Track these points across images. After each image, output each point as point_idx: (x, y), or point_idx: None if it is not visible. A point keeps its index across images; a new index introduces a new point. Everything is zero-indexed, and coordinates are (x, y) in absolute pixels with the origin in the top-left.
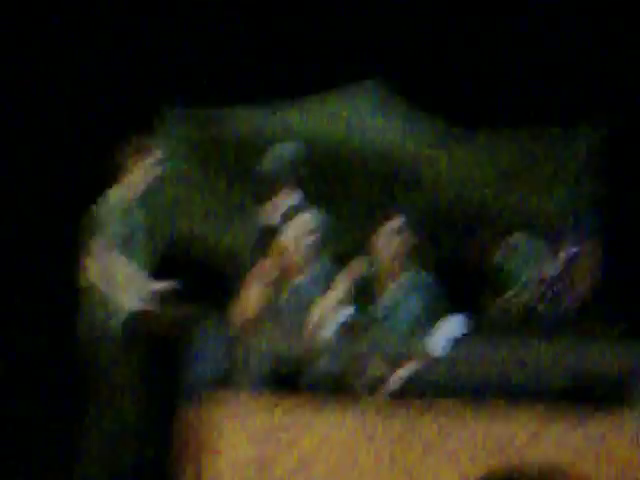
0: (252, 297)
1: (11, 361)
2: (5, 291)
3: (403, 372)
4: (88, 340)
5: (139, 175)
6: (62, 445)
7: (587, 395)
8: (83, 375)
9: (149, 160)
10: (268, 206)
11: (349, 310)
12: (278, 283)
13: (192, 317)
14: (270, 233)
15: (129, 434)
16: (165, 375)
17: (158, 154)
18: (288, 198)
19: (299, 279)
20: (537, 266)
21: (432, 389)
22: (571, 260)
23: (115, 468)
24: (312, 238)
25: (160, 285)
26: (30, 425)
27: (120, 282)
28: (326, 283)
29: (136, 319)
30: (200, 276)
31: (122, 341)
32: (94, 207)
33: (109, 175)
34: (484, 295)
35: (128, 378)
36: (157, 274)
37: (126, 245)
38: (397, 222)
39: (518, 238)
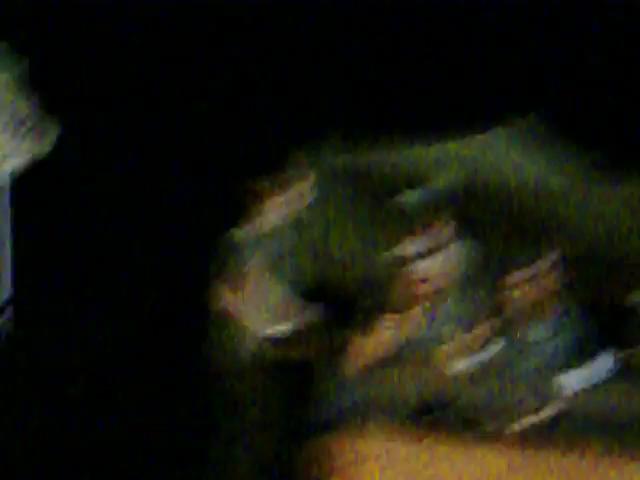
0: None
1: (140, 395)
2: (138, 315)
3: (546, 410)
4: (216, 372)
5: (291, 200)
6: None
7: None
8: (211, 409)
9: (302, 186)
10: (411, 239)
11: (497, 345)
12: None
13: (334, 345)
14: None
15: (262, 470)
16: (299, 405)
17: (311, 179)
18: (439, 232)
19: (439, 308)
20: None
21: (573, 428)
22: None
23: None
24: (459, 269)
25: (308, 311)
26: (160, 462)
27: (267, 307)
28: (466, 317)
29: (276, 343)
30: (345, 305)
31: (250, 371)
32: (234, 232)
33: (253, 201)
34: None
35: (257, 410)
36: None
37: (276, 270)
38: (549, 259)
39: None
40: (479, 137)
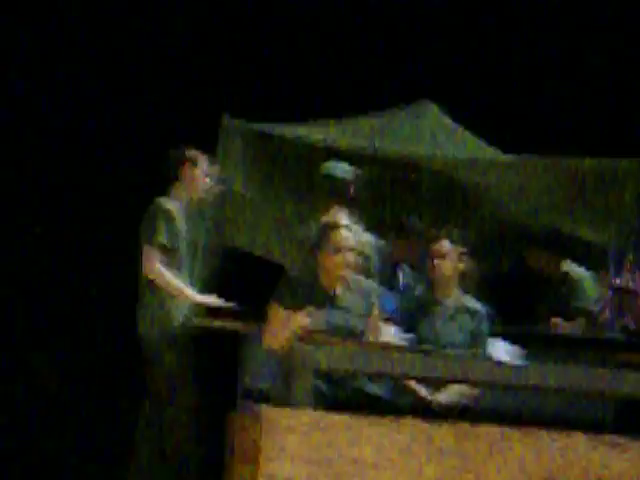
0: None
1: (70, 355)
2: (67, 286)
3: (453, 394)
4: (148, 337)
5: (193, 185)
6: (116, 440)
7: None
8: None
9: (203, 170)
10: (338, 208)
11: (406, 334)
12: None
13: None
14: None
15: (182, 430)
16: (220, 379)
17: (214, 167)
18: (339, 216)
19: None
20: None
21: (481, 413)
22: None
23: (167, 463)
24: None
25: (204, 298)
26: (87, 419)
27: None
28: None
29: (207, 314)
30: (253, 289)
31: (181, 341)
32: (161, 201)
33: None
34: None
35: (184, 377)
36: (209, 288)
37: (173, 255)
38: (451, 241)
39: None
40: (404, 111)
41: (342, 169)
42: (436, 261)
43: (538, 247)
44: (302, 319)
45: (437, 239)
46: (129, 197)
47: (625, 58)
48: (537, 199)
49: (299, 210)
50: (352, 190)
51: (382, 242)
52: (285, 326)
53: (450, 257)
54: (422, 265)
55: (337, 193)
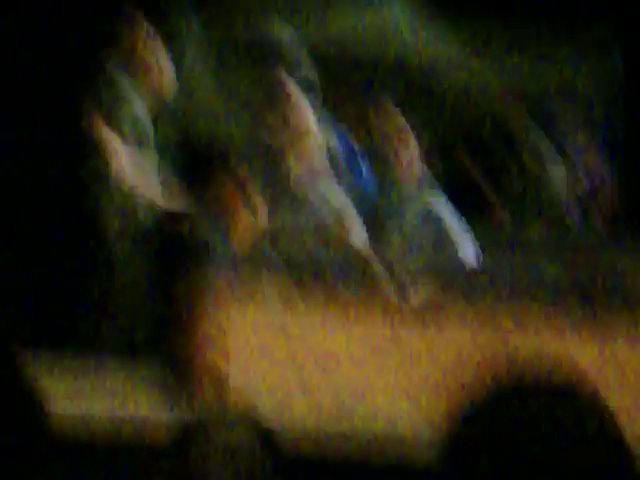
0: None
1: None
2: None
3: (418, 282)
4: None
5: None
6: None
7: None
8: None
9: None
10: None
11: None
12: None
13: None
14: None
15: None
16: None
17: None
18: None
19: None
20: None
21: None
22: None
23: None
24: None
25: (170, 186)
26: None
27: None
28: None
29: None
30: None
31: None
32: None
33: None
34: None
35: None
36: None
37: (134, 141)
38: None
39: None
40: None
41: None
42: (398, 147)
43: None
44: (264, 218)
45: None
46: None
47: None
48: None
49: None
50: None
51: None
52: (250, 228)
53: (410, 141)
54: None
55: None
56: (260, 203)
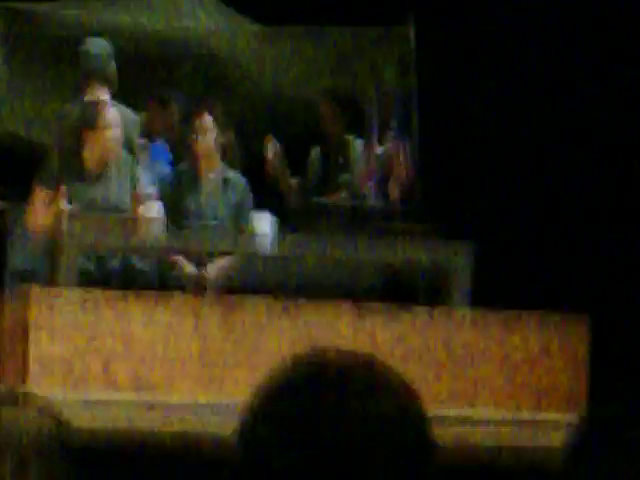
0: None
1: None
2: None
3: (219, 268)
4: None
5: None
6: None
7: (402, 292)
8: None
9: None
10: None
11: (156, 205)
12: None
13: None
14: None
15: None
16: None
17: None
18: (99, 93)
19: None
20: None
21: (247, 286)
22: (386, 155)
23: None
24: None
25: None
26: None
27: None
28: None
29: None
30: (15, 172)
31: None
32: None
33: None
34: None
35: None
36: None
37: None
38: (212, 114)
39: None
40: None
41: (99, 45)
42: (200, 136)
43: (330, 103)
44: (62, 201)
45: (199, 113)
46: None
47: None
48: (296, 67)
49: (61, 89)
50: (110, 66)
51: (138, 117)
52: (47, 207)
53: (212, 131)
54: (180, 138)
55: (97, 71)
56: (61, 190)
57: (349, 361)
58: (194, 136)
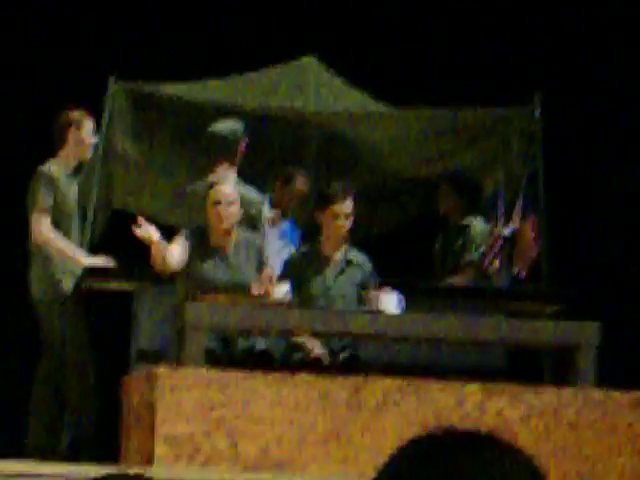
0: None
1: None
2: None
3: (346, 348)
4: (39, 303)
5: (79, 148)
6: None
7: (524, 371)
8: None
9: (89, 132)
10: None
11: (286, 287)
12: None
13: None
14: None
15: (78, 392)
16: (114, 341)
17: (91, 126)
18: (226, 173)
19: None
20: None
21: (374, 365)
22: (509, 237)
23: (59, 426)
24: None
25: (94, 260)
26: None
27: (54, 255)
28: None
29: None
30: (140, 252)
31: (72, 301)
32: (33, 179)
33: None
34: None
35: (78, 341)
36: (95, 250)
37: (61, 219)
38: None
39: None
40: (289, 66)
41: (229, 128)
42: (342, 221)
43: (449, 187)
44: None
45: (342, 198)
46: (17, 163)
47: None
48: (422, 149)
49: (189, 171)
50: (241, 148)
51: (261, 197)
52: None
53: (351, 216)
54: (304, 217)
55: (225, 152)
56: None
57: (474, 442)
58: (335, 221)
